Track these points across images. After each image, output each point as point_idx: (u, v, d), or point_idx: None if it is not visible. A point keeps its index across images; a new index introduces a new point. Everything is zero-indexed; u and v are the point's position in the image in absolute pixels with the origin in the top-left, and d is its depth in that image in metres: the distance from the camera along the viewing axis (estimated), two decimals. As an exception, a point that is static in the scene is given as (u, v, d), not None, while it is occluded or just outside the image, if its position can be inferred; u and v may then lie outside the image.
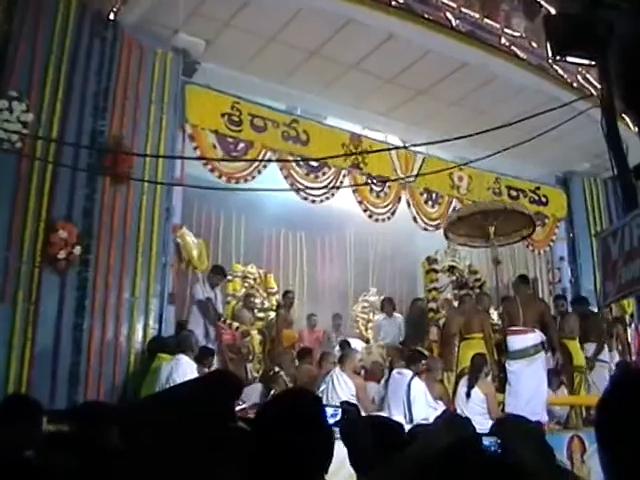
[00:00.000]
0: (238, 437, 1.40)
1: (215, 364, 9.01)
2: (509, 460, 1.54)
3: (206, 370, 8.08)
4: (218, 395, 1.42)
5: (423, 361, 8.83)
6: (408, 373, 8.60)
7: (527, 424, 1.63)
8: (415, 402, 8.25)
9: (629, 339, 12.30)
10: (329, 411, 2.40)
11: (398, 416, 7.69)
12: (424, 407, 8.24)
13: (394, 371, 8.88)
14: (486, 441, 1.68)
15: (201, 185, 9.49)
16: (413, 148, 11.54)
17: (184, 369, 7.45)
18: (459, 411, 8.32)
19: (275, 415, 2.31)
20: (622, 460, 1.52)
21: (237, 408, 7.80)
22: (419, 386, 8.47)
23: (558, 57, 6.21)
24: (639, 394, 1.56)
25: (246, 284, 12.07)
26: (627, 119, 12.65)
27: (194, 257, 9.88)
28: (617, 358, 11.06)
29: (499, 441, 1.63)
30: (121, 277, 8.09)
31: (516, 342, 9.41)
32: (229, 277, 12.08)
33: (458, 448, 1.44)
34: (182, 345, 7.89)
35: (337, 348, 10.27)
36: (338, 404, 2.66)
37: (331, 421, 2.36)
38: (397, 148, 11.06)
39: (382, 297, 12.58)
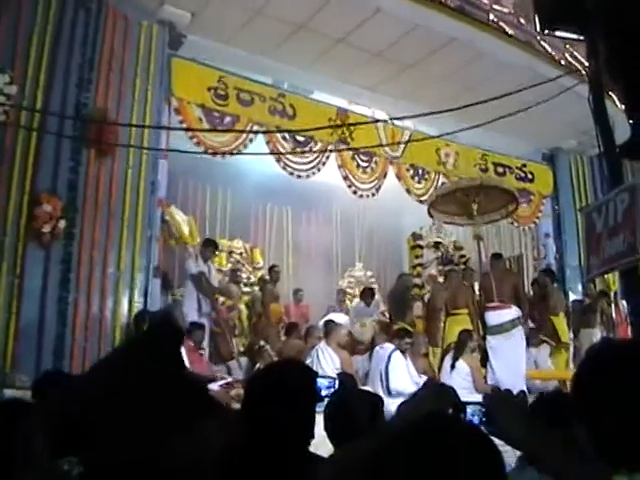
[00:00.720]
0: (189, 381, 1.39)
1: (207, 338, 9.07)
2: (492, 430, 1.54)
3: (191, 344, 8.10)
4: (161, 341, 1.41)
5: (407, 339, 8.83)
6: (389, 347, 8.64)
7: (513, 395, 1.63)
8: (392, 373, 8.28)
9: (613, 315, 12.39)
10: (324, 382, 2.40)
11: (377, 389, 7.75)
12: (403, 379, 8.26)
13: (377, 346, 8.92)
14: (470, 409, 1.68)
15: (187, 158, 9.43)
16: (400, 124, 11.53)
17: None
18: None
19: (263, 384, 2.33)
20: (603, 430, 1.53)
21: (221, 382, 7.88)
22: (399, 359, 8.51)
23: (546, 31, 6.19)
24: (615, 364, 1.58)
25: (232, 259, 12.10)
26: (614, 96, 12.71)
27: (184, 233, 9.89)
28: (599, 334, 11.12)
29: (483, 409, 1.63)
30: (106, 251, 8.04)
31: (493, 318, 9.50)
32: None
33: (435, 418, 1.45)
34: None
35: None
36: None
37: (326, 392, 2.37)
38: (384, 121, 11.02)
39: (362, 288, 12.43)
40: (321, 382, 2.40)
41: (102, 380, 1.37)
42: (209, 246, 9.87)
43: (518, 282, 10.08)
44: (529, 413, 1.54)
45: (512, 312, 9.48)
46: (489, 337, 9.46)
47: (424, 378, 8.58)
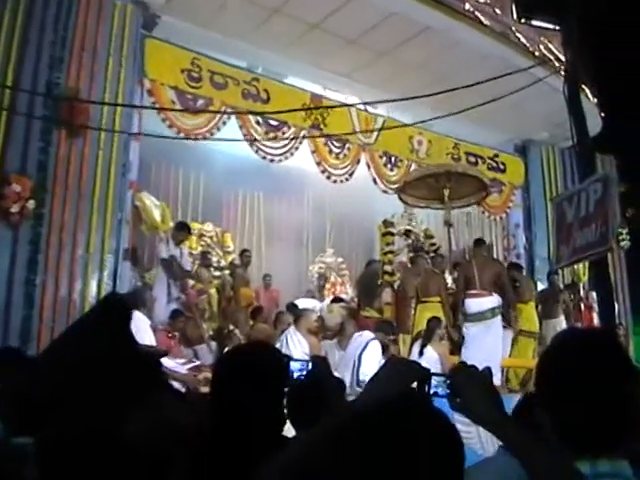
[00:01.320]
0: (139, 356, 1.40)
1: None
2: (454, 403, 1.56)
3: (160, 327, 8.08)
4: (110, 318, 1.41)
5: (391, 337, 8.79)
6: (368, 335, 8.63)
7: (477, 371, 1.64)
8: (364, 362, 8.29)
9: (582, 306, 12.53)
10: (296, 365, 2.41)
11: (347, 376, 7.76)
12: (374, 369, 8.26)
13: (356, 334, 8.88)
14: (435, 381, 1.70)
15: (159, 140, 9.34)
16: (373, 111, 11.55)
17: (137, 325, 7.39)
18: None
19: (232, 366, 2.31)
20: (567, 418, 1.55)
21: (189, 366, 7.87)
22: (375, 348, 8.52)
23: (523, 20, 6.23)
24: (580, 352, 1.60)
25: (202, 242, 12.05)
26: (587, 90, 12.83)
27: (156, 219, 9.82)
28: (564, 324, 11.23)
29: (448, 382, 1.64)
30: (75, 232, 7.97)
31: (473, 305, 9.51)
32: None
33: (401, 399, 1.46)
34: (135, 301, 7.84)
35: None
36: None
37: (298, 375, 2.38)
38: (357, 105, 11.02)
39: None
40: (294, 365, 2.40)
41: (54, 359, 1.37)
42: (181, 230, 9.81)
43: (501, 270, 10.06)
44: (492, 389, 1.55)
45: (493, 300, 9.48)
46: (468, 324, 9.46)
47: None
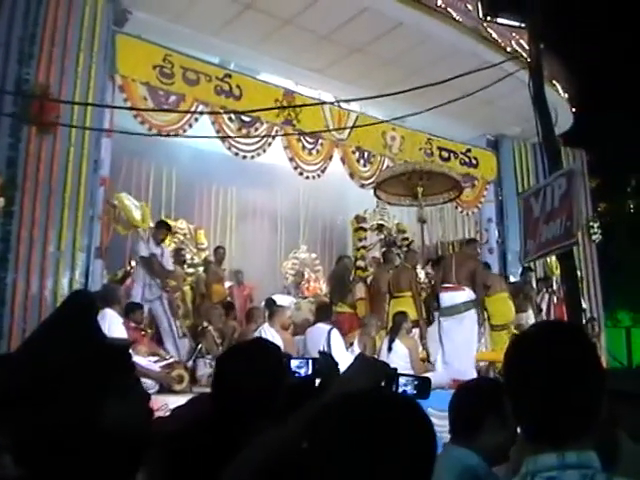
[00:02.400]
0: (107, 347, 1.41)
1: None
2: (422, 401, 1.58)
3: (132, 325, 8.04)
4: (77, 311, 1.42)
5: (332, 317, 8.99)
6: (322, 326, 8.68)
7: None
8: (334, 353, 8.32)
9: (555, 300, 12.61)
10: (294, 362, 2.42)
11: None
12: (344, 358, 8.31)
13: (312, 326, 8.94)
14: (403, 380, 1.71)
15: (131, 136, 9.29)
16: (346, 106, 11.56)
17: (109, 323, 7.37)
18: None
19: (234, 361, 2.34)
20: (527, 408, 1.57)
21: (162, 363, 7.85)
22: (337, 337, 8.58)
23: (488, 18, 6.27)
24: (540, 342, 1.62)
25: (176, 239, 11.98)
26: (557, 86, 12.94)
27: (135, 219, 9.77)
28: (532, 318, 11.30)
29: (416, 382, 1.66)
30: (46, 230, 7.90)
31: (446, 299, 9.57)
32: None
33: (371, 389, 1.48)
34: (108, 299, 7.80)
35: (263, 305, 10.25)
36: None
37: (296, 371, 2.39)
38: (330, 103, 11.04)
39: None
40: (292, 363, 2.43)
41: (22, 355, 1.37)
42: (161, 228, 9.71)
43: (476, 266, 10.11)
44: None
45: (466, 294, 9.53)
46: (441, 319, 9.53)
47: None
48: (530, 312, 11.54)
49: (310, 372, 2.35)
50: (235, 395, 2.24)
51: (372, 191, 11.39)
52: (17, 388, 1.27)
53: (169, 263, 9.79)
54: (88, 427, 1.25)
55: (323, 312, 9.09)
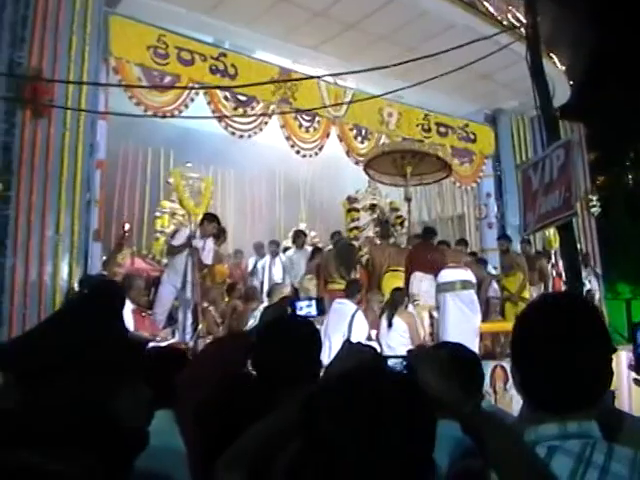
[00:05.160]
0: (131, 346, 1.43)
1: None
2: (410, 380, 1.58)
3: (133, 307, 8.03)
4: (101, 302, 1.43)
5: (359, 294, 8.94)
6: (350, 304, 8.63)
7: (436, 351, 1.67)
8: (355, 335, 8.33)
9: (554, 273, 12.64)
10: (301, 304, 2.51)
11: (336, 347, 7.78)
12: (363, 340, 8.31)
13: (335, 301, 8.85)
14: (391, 362, 1.72)
15: (128, 118, 9.23)
16: (343, 84, 11.50)
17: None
18: (382, 342, 8.44)
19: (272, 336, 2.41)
20: (532, 378, 1.57)
21: (164, 344, 7.85)
22: (362, 320, 8.56)
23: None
24: (546, 315, 1.62)
25: (175, 220, 11.96)
26: (555, 58, 12.87)
27: (189, 204, 9.37)
28: (538, 291, 11.36)
29: (404, 363, 1.66)
30: (44, 214, 7.86)
31: (445, 275, 9.56)
32: (157, 214, 11.99)
33: (362, 368, 1.49)
34: (126, 284, 7.77)
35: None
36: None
37: (310, 310, 2.50)
38: (326, 76, 10.95)
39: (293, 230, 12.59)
40: (298, 304, 2.59)
41: (39, 340, 1.38)
42: (212, 222, 9.32)
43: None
44: (449, 368, 1.57)
45: (467, 274, 9.56)
46: (438, 294, 9.55)
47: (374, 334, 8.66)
48: (535, 286, 11.65)
49: (315, 312, 2.44)
50: (274, 364, 2.30)
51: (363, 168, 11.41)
52: (41, 360, 1.28)
53: (209, 259, 9.47)
54: (99, 408, 1.26)
55: (353, 288, 9.00)
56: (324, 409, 1.32)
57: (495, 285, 11.23)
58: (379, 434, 1.26)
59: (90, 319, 1.38)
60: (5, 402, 1.32)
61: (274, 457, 1.70)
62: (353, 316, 8.44)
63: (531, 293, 11.14)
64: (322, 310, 2.61)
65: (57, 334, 1.35)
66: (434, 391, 1.44)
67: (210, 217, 9.43)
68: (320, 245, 13.37)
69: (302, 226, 14.18)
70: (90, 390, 1.28)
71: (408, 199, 11.01)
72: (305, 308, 2.52)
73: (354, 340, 7.23)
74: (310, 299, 2.59)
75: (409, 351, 1.74)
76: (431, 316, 9.53)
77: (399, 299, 8.95)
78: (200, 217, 9.34)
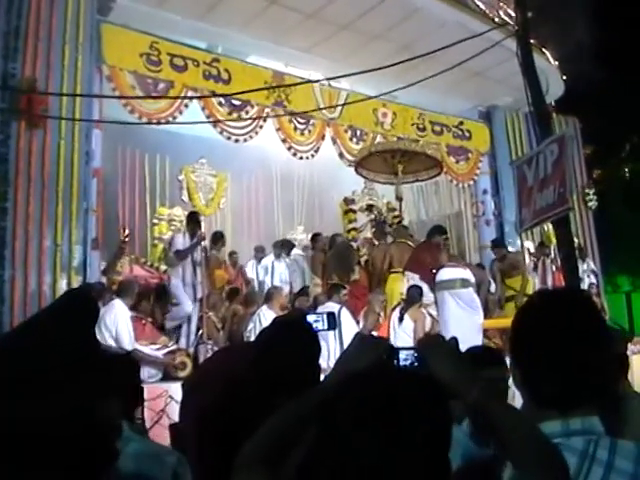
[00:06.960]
0: (105, 358, 1.44)
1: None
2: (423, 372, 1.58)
3: (133, 314, 8.02)
4: (73, 315, 1.42)
5: (343, 291, 9.03)
6: (334, 306, 8.68)
7: (444, 339, 1.66)
8: (345, 330, 8.36)
9: (553, 268, 12.63)
10: (311, 317, 2.51)
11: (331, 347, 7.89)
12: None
13: (319, 308, 8.93)
14: (403, 354, 1.71)
15: (122, 125, 9.24)
16: (337, 85, 11.51)
17: (116, 313, 7.38)
18: (392, 339, 8.46)
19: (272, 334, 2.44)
20: (532, 375, 1.58)
21: (165, 351, 7.85)
22: (346, 316, 8.60)
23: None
24: (545, 311, 1.62)
25: (172, 227, 11.95)
26: (547, 53, 12.88)
27: (200, 202, 9.24)
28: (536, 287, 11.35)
29: (416, 354, 1.66)
30: (41, 224, 7.87)
31: (445, 273, 9.54)
32: (154, 221, 11.97)
33: (378, 366, 1.48)
34: (121, 290, 7.84)
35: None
36: None
37: (318, 325, 2.50)
38: (319, 81, 10.96)
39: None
40: (309, 317, 2.52)
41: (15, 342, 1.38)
42: (197, 221, 9.15)
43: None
44: (459, 355, 1.57)
45: (466, 273, 9.54)
46: (437, 293, 9.53)
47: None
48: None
49: (325, 327, 2.44)
50: (277, 365, 2.30)
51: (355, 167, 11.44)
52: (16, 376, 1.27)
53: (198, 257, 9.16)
54: (84, 416, 1.26)
55: (333, 291, 9.09)
56: (341, 409, 1.31)
57: (493, 283, 11.23)
58: (399, 434, 1.25)
59: (56, 333, 1.37)
60: None
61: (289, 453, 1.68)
62: (339, 312, 8.48)
63: (535, 289, 11.12)
64: (332, 324, 2.58)
65: (23, 345, 1.34)
66: (444, 377, 1.44)
67: (191, 216, 9.41)
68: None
69: (299, 229, 14.18)
70: (53, 405, 1.27)
71: (399, 198, 11.04)
72: (314, 323, 2.51)
73: (346, 334, 7.26)
74: (319, 314, 2.58)
75: (419, 340, 1.74)
76: (431, 316, 9.53)
77: (415, 296, 8.99)
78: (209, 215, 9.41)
